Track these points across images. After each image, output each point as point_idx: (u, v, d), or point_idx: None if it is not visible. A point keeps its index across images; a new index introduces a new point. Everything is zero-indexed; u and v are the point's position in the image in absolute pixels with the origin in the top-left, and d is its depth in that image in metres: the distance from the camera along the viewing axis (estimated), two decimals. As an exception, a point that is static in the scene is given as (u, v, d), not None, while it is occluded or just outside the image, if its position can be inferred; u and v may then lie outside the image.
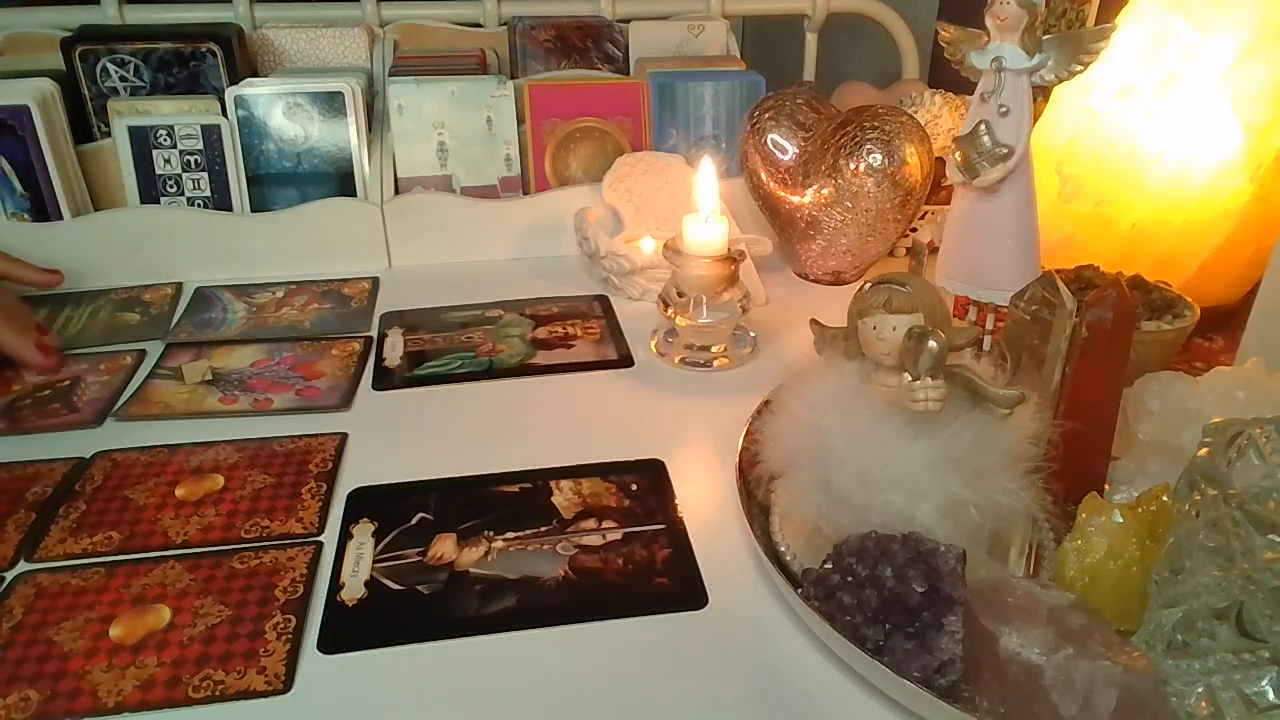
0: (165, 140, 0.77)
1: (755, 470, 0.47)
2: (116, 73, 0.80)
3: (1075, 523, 0.42)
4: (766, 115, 0.76)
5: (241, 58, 0.84)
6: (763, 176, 0.76)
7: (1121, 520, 0.41)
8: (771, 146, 0.76)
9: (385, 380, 0.64)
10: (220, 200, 0.79)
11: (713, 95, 0.84)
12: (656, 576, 0.46)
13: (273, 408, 0.60)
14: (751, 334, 0.68)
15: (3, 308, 0.63)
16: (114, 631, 0.42)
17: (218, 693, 0.40)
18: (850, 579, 0.39)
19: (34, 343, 0.63)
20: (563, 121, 0.83)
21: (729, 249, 0.63)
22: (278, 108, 0.78)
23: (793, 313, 0.71)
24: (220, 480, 0.53)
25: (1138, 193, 0.67)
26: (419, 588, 0.45)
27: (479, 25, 0.97)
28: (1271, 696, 0.34)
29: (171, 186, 0.78)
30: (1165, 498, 0.41)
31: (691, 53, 0.95)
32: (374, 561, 0.47)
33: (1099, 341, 0.44)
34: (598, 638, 0.43)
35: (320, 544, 0.48)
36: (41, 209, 0.75)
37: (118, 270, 0.76)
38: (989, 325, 0.61)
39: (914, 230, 0.80)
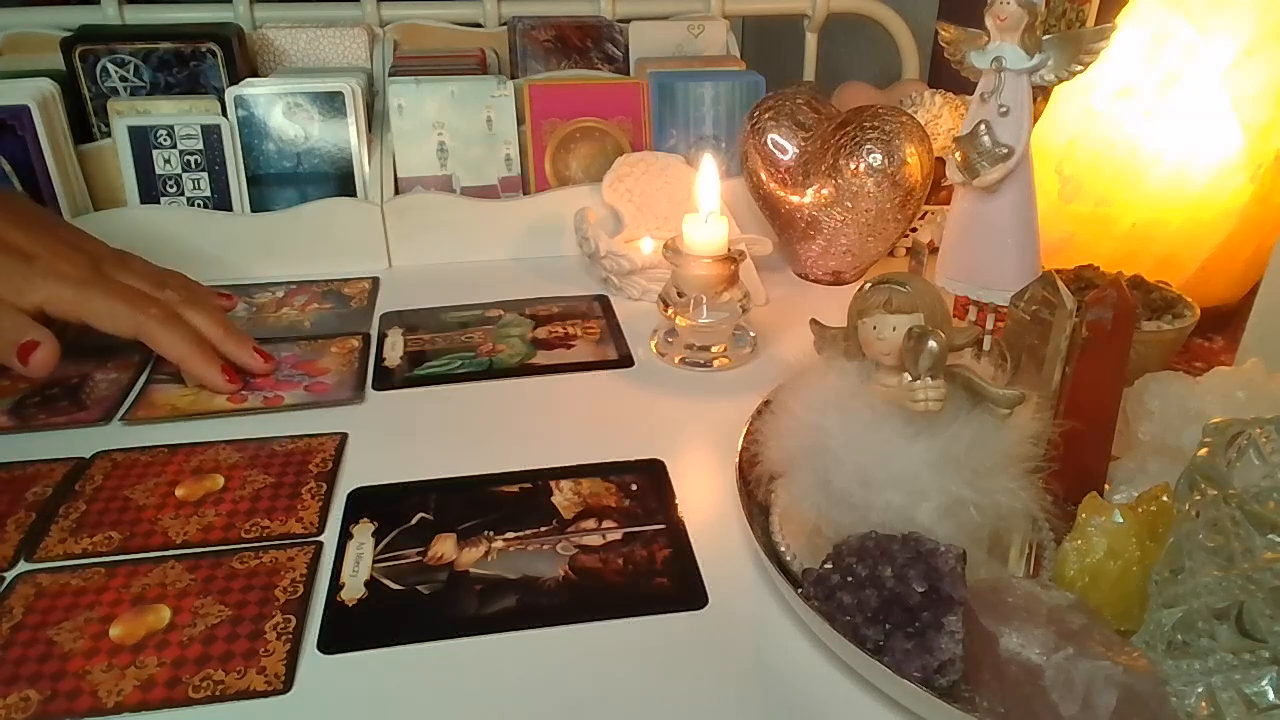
0: (165, 140, 0.77)
1: (755, 470, 0.47)
2: (116, 73, 0.80)
3: (1075, 523, 0.42)
4: (766, 115, 0.76)
5: (241, 58, 0.84)
6: (763, 176, 0.76)
7: (1121, 520, 0.41)
8: (771, 146, 0.76)
9: (385, 380, 0.64)
10: (220, 200, 0.79)
11: (713, 95, 0.84)
12: (656, 576, 0.46)
13: (284, 404, 0.60)
14: (751, 334, 0.68)
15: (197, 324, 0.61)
16: (114, 631, 0.42)
17: (218, 693, 0.40)
18: (850, 579, 0.39)
19: (220, 366, 0.61)
20: (563, 121, 0.83)
21: (729, 249, 0.63)
22: (278, 108, 0.78)
23: (793, 313, 0.71)
24: (220, 480, 0.53)
25: (1138, 193, 0.67)
26: (419, 588, 0.45)
27: (479, 25, 0.97)
28: (1271, 696, 0.34)
29: (171, 186, 0.78)
30: (1165, 498, 0.41)
31: (691, 53, 0.95)
32: (374, 561, 0.47)
33: (1099, 341, 0.44)
34: (598, 638, 0.43)
35: (320, 544, 0.48)
36: (41, 209, 0.75)
37: (118, 270, 0.75)
38: (989, 325, 0.61)
39: (914, 230, 0.80)
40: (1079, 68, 0.54)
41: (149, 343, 0.59)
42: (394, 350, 0.67)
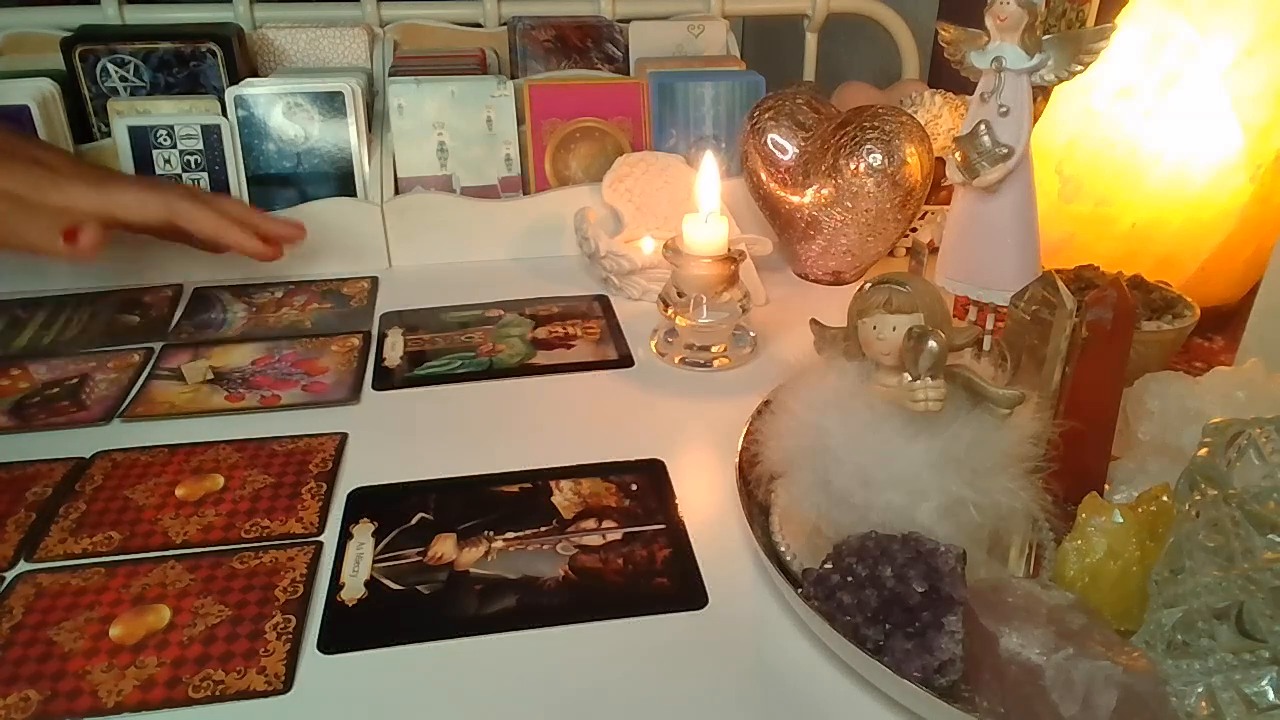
0: (165, 140, 0.77)
1: (755, 470, 0.47)
2: (116, 73, 0.80)
3: (1075, 523, 0.42)
4: (766, 115, 0.76)
5: (241, 58, 0.84)
6: (763, 176, 0.76)
7: (1121, 520, 0.41)
8: (771, 146, 0.76)
9: (385, 380, 0.64)
10: (220, 200, 0.79)
11: (713, 95, 0.84)
12: (656, 576, 0.46)
13: (281, 403, 0.60)
14: (751, 334, 0.68)
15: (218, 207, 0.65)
16: (114, 631, 0.42)
17: (218, 693, 0.40)
18: (850, 579, 0.39)
19: (257, 235, 0.65)
20: (563, 121, 0.83)
21: (729, 249, 0.63)
22: (278, 108, 0.78)
23: (793, 313, 0.71)
24: (220, 480, 0.53)
25: (1138, 193, 0.67)
26: (419, 588, 0.45)
27: (479, 25, 0.97)
28: (1271, 696, 0.34)
29: (171, 186, 0.78)
30: (1165, 498, 0.41)
31: (691, 53, 0.95)
32: (374, 561, 0.47)
33: (1099, 341, 0.44)
34: (598, 638, 0.43)
35: (320, 544, 0.48)
36: (41, 209, 0.75)
37: (118, 271, 0.75)
38: (989, 325, 0.61)
39: (914, 230, 0.80)
40: (1079, 68, 0.54)
41: (182, 221, 0.61)
42: (394, 350, 0.67)
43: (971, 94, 0.58)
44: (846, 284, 0.78)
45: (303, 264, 0.79)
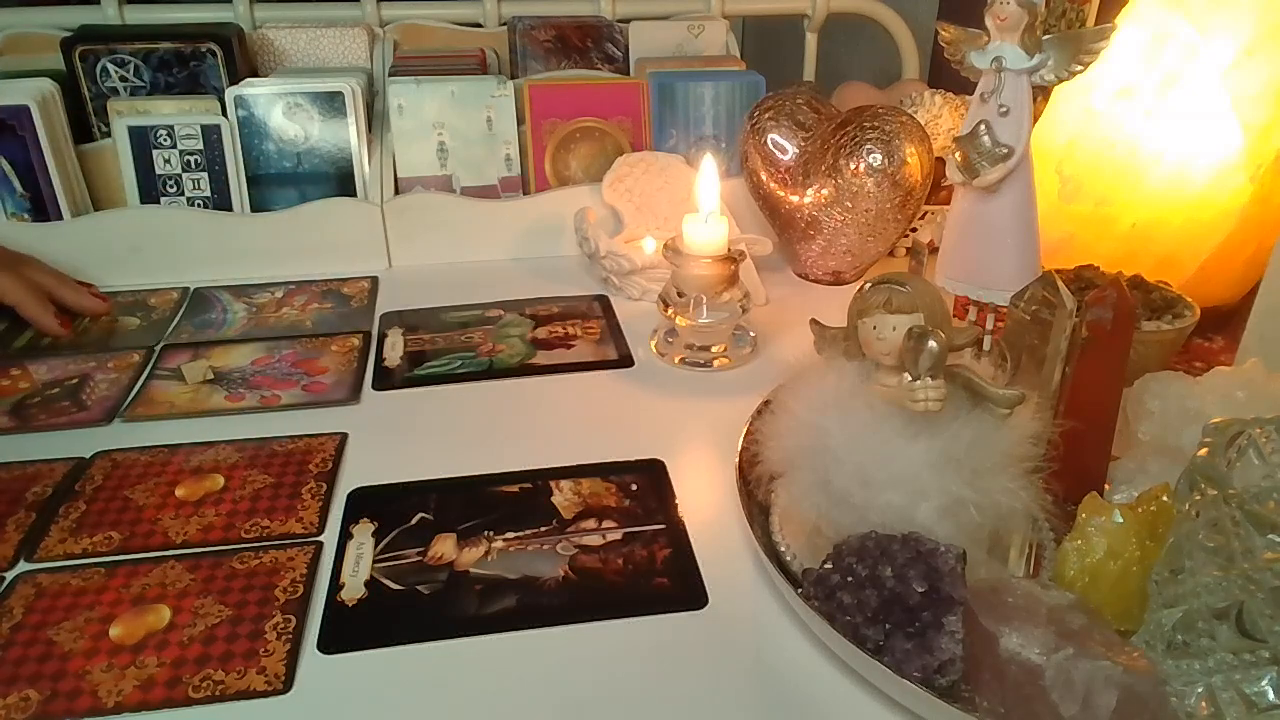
0: (165, 140, 0.77)
1: (755, 470, 0.47)
2: (116, 73, 0.80)
3: (1075, 523, 0.42)
4: (766, 115, 0.76)
5: (241, 58, 0.84)
6: (763, 176, 0.76)
7: (1121, 520, 0.41)
8: (771, 146, 0.76)
9: (385, 380, 0.64)
10: (220, 200, 0.79)
11: (713, 95, 0.84)
12: (656, 576, 0.46)
13: (281, 403, 0.60)
14: (751, 334, 0.68)
15: (25, 275, 0.67)
16: (114, 631, 0.42)
17: (218, 693, 0.40)
18: (850, 579, 0.39)
19: (54, 312, 0.68)
20: (563, 121, 0.83)
21: (729, 249, 0.63)
22: (278, 108, 0.78)
23: (793, 313, 0.71)
24: (220, 480, 0.53)
25: (1138, 193, 0.67)
26: (419, 588, 0.45)
27: (479, 25, 0.97)
28: (1271, 696, 0.34)
29: (171, 186, 0.78)
30: (1165, 498, 0.41)
31: (691, 53, 0.95)
32: (374, 561, 0.47)
33: (1099, 341, 0.44)
34: (598, 638, 0.43)
35: (320, 544, 0.48)
36: (41, 209, 0.75)
37: (118, 270, 0.76)
38: (989, 325, 0.61)
39: (914, 230, 0.80)
40: (1079, 68, 0.54)
41: None
42: (394, 350, 0.67)
43: (971, 94, 0.58)
44: (846, 284, 0.78)
45: (303, 264, 0.79)
